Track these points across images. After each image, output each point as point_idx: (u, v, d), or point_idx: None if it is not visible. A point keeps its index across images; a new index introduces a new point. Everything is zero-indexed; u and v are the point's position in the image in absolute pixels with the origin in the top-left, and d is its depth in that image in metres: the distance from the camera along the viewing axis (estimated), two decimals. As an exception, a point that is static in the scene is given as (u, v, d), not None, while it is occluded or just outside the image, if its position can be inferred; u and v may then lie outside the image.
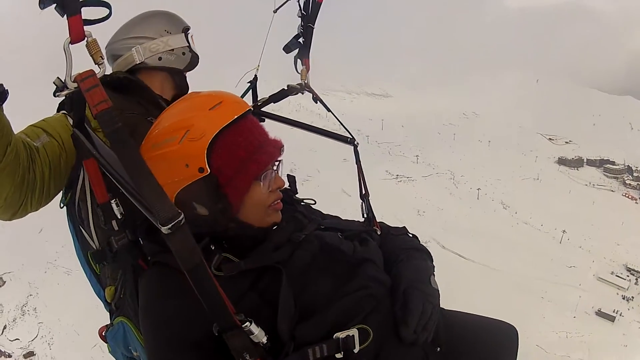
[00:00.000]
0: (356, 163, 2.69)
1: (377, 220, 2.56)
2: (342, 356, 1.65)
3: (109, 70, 2.59)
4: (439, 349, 2.05)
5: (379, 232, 2.43)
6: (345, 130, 2.74)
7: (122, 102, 2.29)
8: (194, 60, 2.75)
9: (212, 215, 1.76)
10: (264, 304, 1.68)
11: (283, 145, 1.90)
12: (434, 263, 2.26)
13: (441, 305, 2.11)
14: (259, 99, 2.92)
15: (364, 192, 2.64)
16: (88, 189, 2.19)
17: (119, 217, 1.93)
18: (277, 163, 1.90)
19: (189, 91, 2.79)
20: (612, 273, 58.49)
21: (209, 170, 1.68)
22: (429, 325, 1.87)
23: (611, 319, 49.73)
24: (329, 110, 2.84)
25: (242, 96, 2.86)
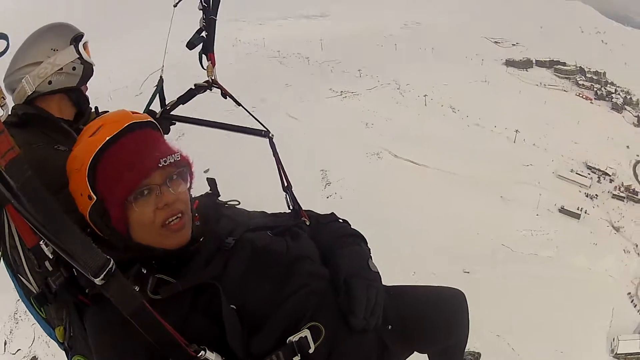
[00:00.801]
0: (274, 155, 2.57)
1: (305, 210, 2.50)
2: (299, 358, 1.69)
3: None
4: (390, 327, 2.15)
5: (307, 223, 2.38)
6: (259, 123, 2.66)
7: (28, 136, 2.19)
8: (87, 72, 2.62)
9: (111, 240, 1.75)
10: (210, 322, 1.66)
11: (174, 157, 1.81)
12: (368, 246, 2.29)
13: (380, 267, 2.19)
14: (167, 102, 2.79)
15: (285, 184, 2.56)
16: (16, 235, 2.12)
17: (51, 257, 1.84)
18: (169, 178, 1.80)
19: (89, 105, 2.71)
20: (572, 171, 55.65)
21: (95, 198, 1.68)
22: (376, 309, 1.94)
23: (576, 216, 47.24)
24: (238, 104, 2.71)
25: (150, 101, 2.80)
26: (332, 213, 2.53)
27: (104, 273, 1.39)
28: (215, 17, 2.93)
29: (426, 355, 2.81)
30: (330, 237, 2.26)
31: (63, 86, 2.55)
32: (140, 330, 1.44)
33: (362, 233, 2.35)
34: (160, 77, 3.00)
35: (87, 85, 2.74)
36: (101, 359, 1.71)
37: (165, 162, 1.77)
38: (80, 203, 1.76)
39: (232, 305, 1.70)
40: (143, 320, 1.44)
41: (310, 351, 1.71)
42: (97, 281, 1.38)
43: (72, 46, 2.55)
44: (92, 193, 1.68)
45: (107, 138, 1.71)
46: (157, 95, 2.93)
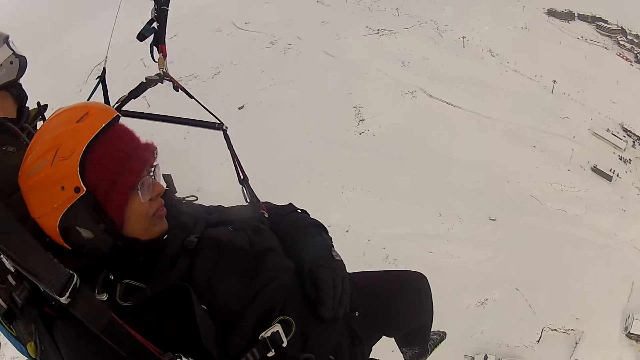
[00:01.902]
0: (229, 148, 2.56)
1: (263, 202, 2.49)
2: (274, 353, 1.70)
3: None
4: (357, 314, 2.23)
5: (266, 215, 2.39)
6: (213, 116, 2.54)
7: None
8: (22, 63, 2.63)
9: (98, 237, 1.66)
10: (183, 325, 1.64)
11: (156, 148, 1.83)
12: (329, 235, 2.30)
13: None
14: (121, 97, 2.69)
15: (242, 177, 2.57)
16: None
17: (13, 271, 1.68)
18: (152, 168, 1.82)
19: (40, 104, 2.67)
20: (608, 130, 50.80)
21: (85, 189, 1.59)
22: (343, 298, 1.98)
23: (608, 177, 44.48)
24: (191, 97, 2.53)
25: (91, 93, 2.80)
26: (290, 204, 2.54)
27: (69, 290, 1.32)
28: (167, 7, 2.90)
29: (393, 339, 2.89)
30: (290, 228, 2.26)
31: (4, 81, 2.52)
32: (112, 345, 1.39)
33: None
34: (104, 68, 2.94)
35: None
36: None
37: (155, 154, 1.83)
38: (56, 198, 1.60)
39: (202, 306, 1.67)
40: (114, 335, 1.39)
41: (284, 345, 1.72)
42: (63, 300, 1.31)
43: (5, 44, 2.55)
44: (81, 184, 1.58)
45: (103, 124, 1.63)
46: (102, 89, 2.88)
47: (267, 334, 1.75)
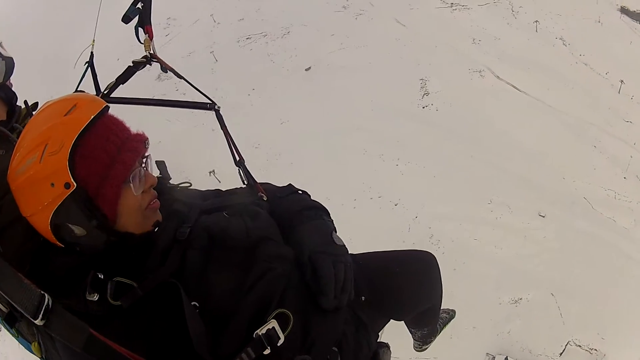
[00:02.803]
0: (222, 129, 2.48)
1: (261, 183, 2.36)
2: (269, 351, 1.60)
3: None
4: (363, 299, 2.09)
5: (265, 198, 2.25)
6: (204, 96, 2.53)
7: None
8: (9, 64, 2.49)
9: (91, 234, 1.60)
10: (174, 326, 1.56)
11: (147, 139, 1.76)
12: (331, 217, 2.13)
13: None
14: (109, 83, 2.62)
15: (237, 158, 2.43)
16: None
17: None
18: (144, 159, 1.74)
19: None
20: None
21: (75, 185, 1.51)
22: (346, 286, 1.85)
23: None
24: (180, 77, 2.61)
25: (81, 80, 2.71)
26: (290, 184, 2.33)
27: (42, 312, 1.26)
28: None
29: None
30: (288, 211, 2.09)
31: None
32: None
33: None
34: (91, 52, 2.84)
35: (11, 81, 2.56)
36: None
37: (146, 144, 1.73)
38: (46, 195, 1.52)
39: (194, 303, 1.59)
40: (95, 352, 1.32)
41: (280, 342, 1.60)
42: (38, 322, 1.26)
43: None
44: (71, 179, 1.49)
45: (92, 116, 1.56)
46: (91, 74, 2.74)
47: (262, 330, 1.63)
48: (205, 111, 2.48)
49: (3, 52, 2.46)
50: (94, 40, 2.98)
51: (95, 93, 2.65)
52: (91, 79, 2.79)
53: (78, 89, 2.58)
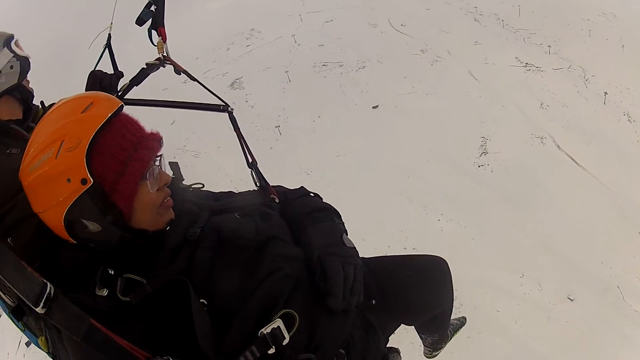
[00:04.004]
0: (235, 131, 2.46)
1: (272, 186, 2.37)
2: (274, 350, 1.59)
3: None
4: (373, 302, 2.06)
5: (277, 200, 2.26)
6: (217, 98, 2.53)
7: None
8: (24, 66, 2.47)
9: (105, 229, 1.61)
10: (179, 322, 1.56)
11: (162, 137, 1.76)
12: (342, 220, 2.14)
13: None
14: (122, 85, 2.60)
15: (250, 160, 2.42)
16: None
17: None
18: (158, 158, 1.75)
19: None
20: None
21: (92, 180, 1.52)
22: (355, 288, 1.82)
23: None
24: (193, 79, 2.58)
25: (98, 60, 2.64)
26: (302, 187, 2.35)
27: (43, 300, 1.27)
28: None
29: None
30: (299, 212, 2.10)
31: (5, 88, 2.41)
32: (96, 351, 1.33)
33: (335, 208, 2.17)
34: (109, 35, 2.80)
35: (28, 79, 2.57)
36: None
37: (161, 143, 1.73)
38: (62, 191, 1.53)
39: (202, 300, 1.60)
40: (95, 342, 1.32)
41: (285, 342, 1.60)
42: (39, 310, 1.27)
43: (5, 48, 2.40)
44: (88, 175, 1.50)
45: (110, 114, 1.57)
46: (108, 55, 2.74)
47: (267, 329, 1.62)
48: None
49: (19, 52, 2.47)
50: (111, 22, 2.95)
51: (112, 72, 2.72)
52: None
53: (96, 69, 2.68)
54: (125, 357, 1.38)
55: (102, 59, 2.85)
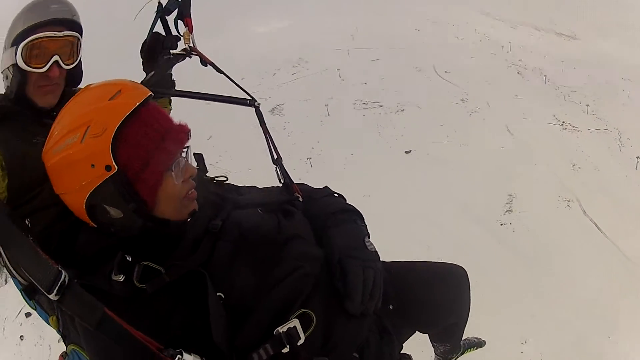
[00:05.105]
0: (261, 126, 2.43)
1: (297, 184, 2.33)
2: (288, 349, 1.56)
3: None
4: (391, 307, 2.03)
5: (300, 199, 2.22)
6: (245, 92, 2.48)
7: (3, 133, 1.95)
8: (22, 80, 1.98)
9: (127, 217, 1.61)
10: (194, 315, 1.54)
11: (190, 130, 1.75)
12: (365, 222, 2.10)
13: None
14: (148, 74, 2.50)
15: (275, 156, 2.38)
16: None
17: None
18: (185, 149, 1.74)
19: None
20: None
21: (116, 168, 1.52)
22: (375, 292, 1.79)
23: None
24: (220, 71, 2.53)
25: (150, 31, 2.57)
26: (326, 187, 2.33)
27: (57, 287, 1.25)
28: None
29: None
30: (322, 212, 2.07)
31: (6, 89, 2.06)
32: (109, 339, 1.32)
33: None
34: (159, 3, 2.68)
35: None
36: (89, 350, 1.59)
37: (189, 135, 1.71)
38: (85, 176, 1.53)
39: (219, 293, 1.57)
40: (109, 331, 1.31)
41: (300, 342, 1.57)
42: (52, 297, 1.26)
43: (14, 48, 1.93)
44: (113, 162, 1.50)
45: (137, 103, 1.56)
46: (161, 23, 2.60)
47: (283, 328, 1.58)
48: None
49: (20, 63, 2.01)
50: None
51: (165, 33, 2.61)
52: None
53: (150, 34, 2.60)
54: (138, 347, 1.37)
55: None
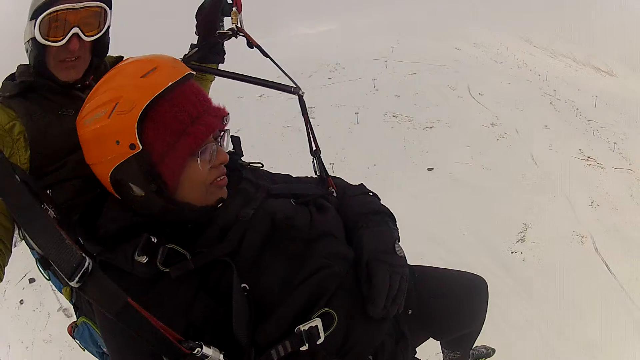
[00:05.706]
0: (303, 115, 2.39)
1: (332, 177, 2.31)
2: (307, 347, 1.54)
3: None
4: (410, 312, 2.03)
5: (335, 194, 2.19)
6: (290, 80, 2.45)
7: (28, 106, 1.88)
8: (41, 53, 1.90)
9: (148, 196, 1.58)
10: (216, 305, 1.52)
11: (228, 114, 1.69)
12: (397, 226, 2.06)
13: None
14: (191, 51, 2.47)
15: (314, 148, 2.37)
16: None
17: (56, 217, 1.66)
18: (222, 133, 1.69)
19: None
20: None
21: (140, 147, 1.49)
22: (398, 297, 1.76)
23: None
24: (266, 55, 2.48)
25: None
26: (362, 184, 2.26)
27: (79, 275, 1.22)
28: None
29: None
30: (355, 212, 2.01)
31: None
32: (128, 329, 1.29)
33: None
34: None
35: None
36: (105, 332, 1.57)
37: (225, 120, 1.67)
38: (110, 151, 1.52)
39: (244, 285, 1.54)
40: (129, 321, 1.28)
41: (320, 341, 1.54)
42: (73, 284, 1.23)
43: (34, 21, 1.82)
44: (137, 141, 1.47)
45: (170, 83, 1.52)
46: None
47: (304, 327, 1.55)
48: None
49: (39, 37, 1.89)
50: None
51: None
52: None
53: None
54: (157, 338, 1.33)
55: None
